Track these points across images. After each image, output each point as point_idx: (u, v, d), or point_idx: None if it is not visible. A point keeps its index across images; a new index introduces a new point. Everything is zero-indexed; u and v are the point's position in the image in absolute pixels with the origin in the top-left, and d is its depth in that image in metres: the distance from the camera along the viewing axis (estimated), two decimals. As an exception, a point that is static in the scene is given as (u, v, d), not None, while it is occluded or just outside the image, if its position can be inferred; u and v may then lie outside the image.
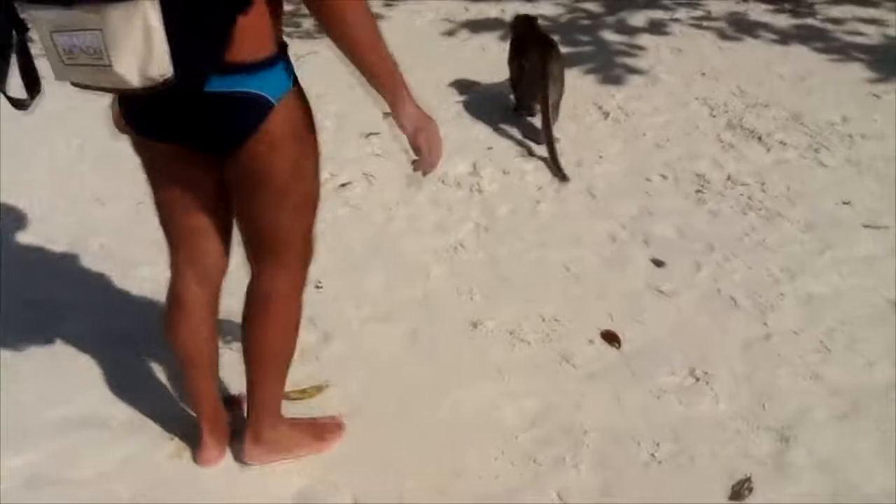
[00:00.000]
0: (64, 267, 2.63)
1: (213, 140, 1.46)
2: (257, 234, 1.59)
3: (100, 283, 2.54)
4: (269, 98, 1.41)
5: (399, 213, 2.96)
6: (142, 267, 2.55)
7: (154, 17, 1.22)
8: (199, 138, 1.47)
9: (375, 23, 1.40)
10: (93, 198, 3.05)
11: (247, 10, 1.33)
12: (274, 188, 1.50)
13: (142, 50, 1.24)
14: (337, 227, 2.83)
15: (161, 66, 1.25)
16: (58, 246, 2.73)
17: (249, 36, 1.36)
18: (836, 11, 4.74)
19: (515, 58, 3.51)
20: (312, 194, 1.60)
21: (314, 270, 2.55)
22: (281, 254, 1.61)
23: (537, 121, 3.39)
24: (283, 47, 1.45)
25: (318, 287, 2.50)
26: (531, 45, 3.41)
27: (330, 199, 2.97)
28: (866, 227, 2.81)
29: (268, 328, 1.69)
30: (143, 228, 2.78)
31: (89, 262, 2.66)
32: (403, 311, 2.43)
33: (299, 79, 1.51)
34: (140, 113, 1.49)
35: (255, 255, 1.63)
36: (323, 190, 2.89)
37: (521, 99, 3.56)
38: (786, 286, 2.53)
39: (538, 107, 3.33)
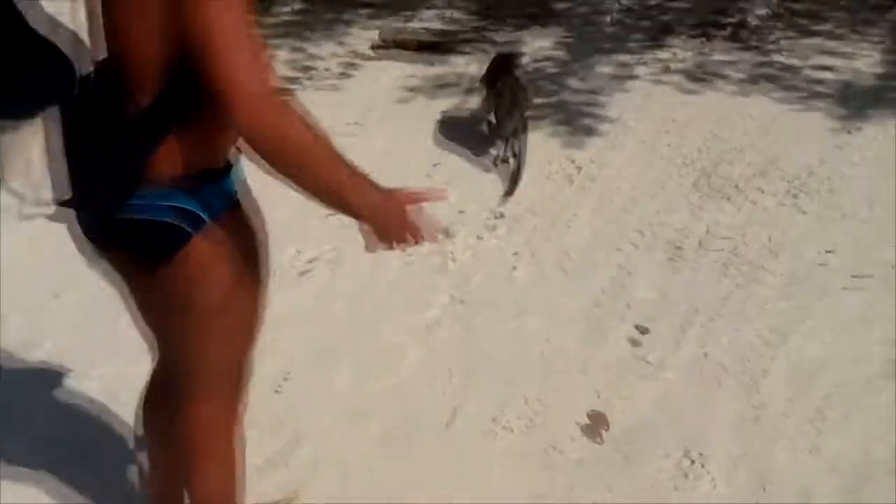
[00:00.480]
0: (10, 371, 2.48)
1: (133, 256, 1.36)
2: (175, 362, 1.46)
3: (49, 389, 2.38)
4: (185, 227, 1.29)
5: (369, 291, 2.84)
6: (96, 369, 2.40)
7: (44, 140, 1.15)
8: (124, 249, 1.37)
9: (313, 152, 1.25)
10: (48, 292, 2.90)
11: (161, 138, 1.22)
12: (195, 317, 1.37)
13: (32, 171, 1.19)
14: (302, 313, 2.69)
15: (56, 188, 1.20)
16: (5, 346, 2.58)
17: (167, 157, 1.25)
18: (799, 50, 4.70)
19: (491, 88, 3.76)
20: (246, 324, 1.45)
21: (278, 366, 2.47)
22: (203, 388, 1.47)
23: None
24: (217, 169, 1.33)
25: (282, 384, 2.37)
26: (506, 75, 3.74)
27: (293, 282, 2.85)
28: (854, 276, 2.72)
29: (195, 476, 1.54)
30: (99, 325, 2.66)
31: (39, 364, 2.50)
32: (377, 405, 2.29)
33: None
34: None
35: (175, 385, 1.49)
36: (286, 272, 2.74)
37: (499, 125, 3.67)
38: (775, 350, 2.43)
39: (513, 129, 3.56)
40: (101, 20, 1.19)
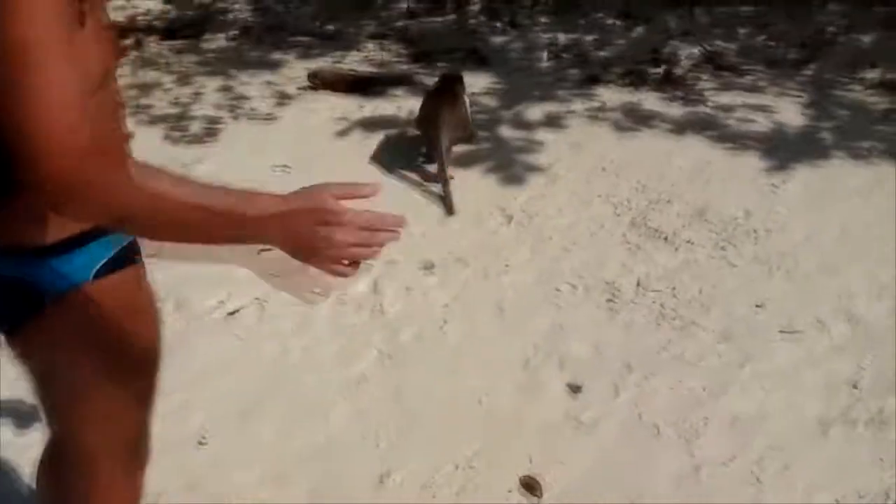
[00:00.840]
0: None
1: None
2: (57, 433, 1.32)
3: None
4: (42, 289, 1.13)
5: (295, 343, 2.71)
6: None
7: None
8: None
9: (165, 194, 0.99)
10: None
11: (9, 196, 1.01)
12: (63, 393, 1.22)
13: None
14: (224, 365, 2.56)
15: None
16: None
17: (26, 219, 1.08)
18: (726, 98, 4.81)
19: (421, 108, 4.09)
20: (132, 394, 1.29)
21: (197, 422, 2.33)
22: (91, 462, 1.32)
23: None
24: (85, 233, 1.14)
25: (201, 444, 2.22)
26: (431, 95, 4.11)
27: (216, 330, 2.71)
28: (782, 332, 2.73)
29: None
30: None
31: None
32: (301, 467, 2.17)
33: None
34: None
35: (65, 457, 1.34)
36: (209, 320, 2.59)
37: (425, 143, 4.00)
38: (709, 407, 2.40)
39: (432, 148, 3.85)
40: None
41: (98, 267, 1.17)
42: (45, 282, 1.13)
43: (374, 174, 3.93)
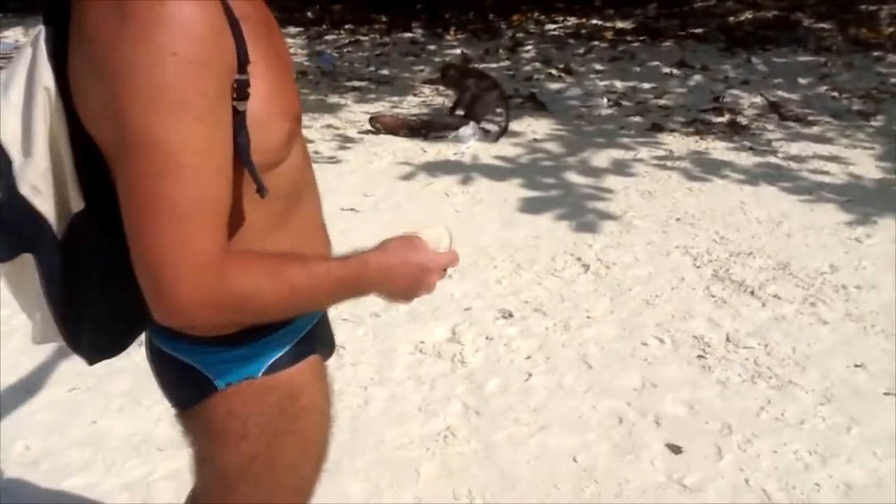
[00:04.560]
0: None
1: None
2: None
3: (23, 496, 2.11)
4: (210, 377, 1.07)
5: (376, 392, 2.62)
6: (73, 476, 2.14)
7: (39, 281, 0.99)
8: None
9: (294, 279, 1.00)
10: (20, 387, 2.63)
11: None
12: (214, 477, 1.14)
13: (35, 314, 1.04)
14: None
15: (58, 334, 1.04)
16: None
17: None
18: (795, 149, 4.73)
19: (463, 83, 5.11)
20: (285, 496, 1.18)
21: None
22: None
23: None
24: (247, 333, 1.08)
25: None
26: (474, 73, 5.29)
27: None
28: (887, 394, 2.59)
29: None
30: (76, 426, 2.41)
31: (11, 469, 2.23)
32: (395, 527, 2.06)
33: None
34: None
35: None
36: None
37: (476, 112, 5.03)
38: (819, 473, 2.26)
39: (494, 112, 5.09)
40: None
41: (271, 362, 1.09)
42: (215, 371, 1.07)
43: (441, 218, 3.87)
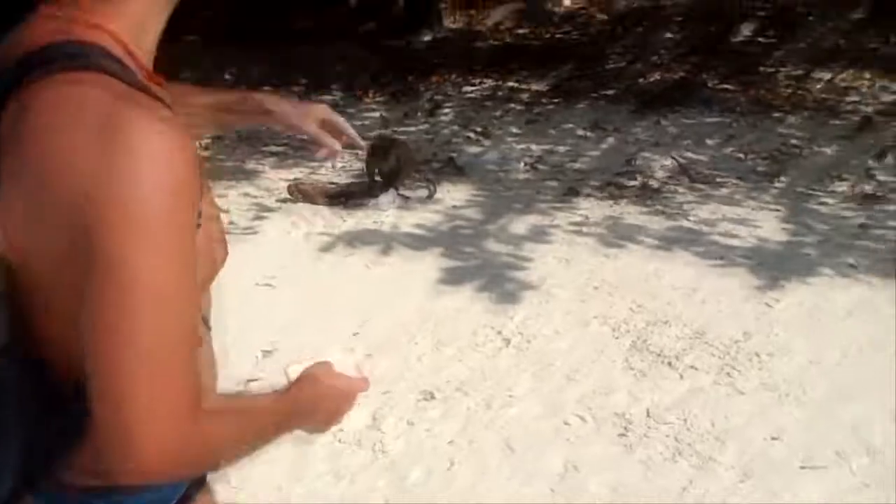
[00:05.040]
0: None
1: None
2: None
3: None
4: None
5: (293, 490, 2.53)
6: None
7: None
8: None
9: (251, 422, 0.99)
10: None
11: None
12: None
13: None
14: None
15: None
16: None
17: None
18: (706, 212, 4.85)
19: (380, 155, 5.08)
20: None
21: None
22: None
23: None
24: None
25: None
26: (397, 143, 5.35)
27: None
28: (803, 467, 2.63)
29: None
30: None
31: None
32: None
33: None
34: None
35: None
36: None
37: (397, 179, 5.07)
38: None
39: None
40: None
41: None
42: None
43: (361, 291, 3.82)
